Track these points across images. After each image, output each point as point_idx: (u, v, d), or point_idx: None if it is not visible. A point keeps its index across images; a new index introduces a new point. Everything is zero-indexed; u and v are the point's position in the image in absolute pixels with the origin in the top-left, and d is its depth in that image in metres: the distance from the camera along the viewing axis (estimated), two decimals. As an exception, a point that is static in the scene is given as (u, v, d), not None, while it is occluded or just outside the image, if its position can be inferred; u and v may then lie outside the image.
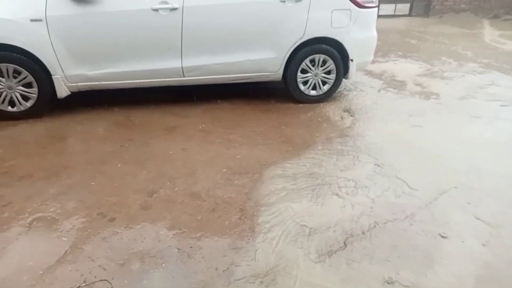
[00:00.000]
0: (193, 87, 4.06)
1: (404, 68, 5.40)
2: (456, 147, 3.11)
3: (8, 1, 3.18)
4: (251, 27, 3.62)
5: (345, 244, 2.03)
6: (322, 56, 3.84)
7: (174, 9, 3.40)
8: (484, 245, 2.04)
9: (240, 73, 3.80)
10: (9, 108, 3.39)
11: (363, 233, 2.11)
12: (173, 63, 3.59)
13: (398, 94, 4.35)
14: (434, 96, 4.28)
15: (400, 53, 6.22)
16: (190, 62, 3.61)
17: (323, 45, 3.80)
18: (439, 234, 2.11)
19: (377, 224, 2.18)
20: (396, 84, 4.67)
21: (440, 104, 4.07)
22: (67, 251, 1.94)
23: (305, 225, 2.16)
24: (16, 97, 3.35)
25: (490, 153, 3.02)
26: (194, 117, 3.60)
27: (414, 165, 2.82)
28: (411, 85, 4.66)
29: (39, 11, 3.18)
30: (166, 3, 3.38)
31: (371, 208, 2.33)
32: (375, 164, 2.83)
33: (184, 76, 3.68)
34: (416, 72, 5.22)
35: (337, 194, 2.46)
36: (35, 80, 3.33)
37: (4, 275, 1.79)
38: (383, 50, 6.19)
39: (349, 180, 2.62)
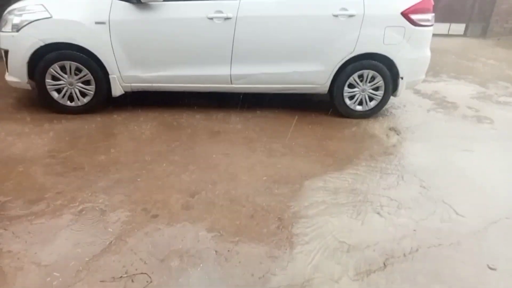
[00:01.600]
0: (239, 94, 4.13)
1: (456, 89, 5.19)
2: (509, 177, 2.93)
3: (76, 4, 3.43)
4: (301, 39, 3.65)
5: (384, 264, 1.97)
6: (371, 72, 3.78)
7: (228, 18, 3.50)
8: (537, 282, 1.90)
9: (287, 84, 3.82)
10: (68, 103, 3.62)
11: (405, 255, 2.04)
12: (222, 70, 3.68)
13: (448, 116, 4.18)
14: (488, 121, 4.07)
15: (452, 74, 5.99)
16: (238, 70, 3.69)
17: (373, 61, 3.75)
18: (487, 265, 1.99)
19: (420, 247, 2.10)
20: (446, 106, 4.50)
21: (494, 129, 3.87)
22: (112, 242, 2.03)
23: (344, 242, 2.12)
24: (75, 93, 3.58)
25: (548, 186, 2.82)
26: (238, 124, 3.66)
27: (463, 191, 2.70)
28: (463, 107, 4.47)
29: (104, 14, 3.39)
30: (221, 12, 3.49)
31: (414, 230, 2.24)
32: (420, 186, 2.73)
33: (231, 84, 3.76)
34: (469, 94, 5.00)
35: (378, 213, 2.40)
36: (94, 78, 3.54)
37: (53, 259, 1.90)
38: (435, 69, 5.99)
39: (392, 200, 2.55)
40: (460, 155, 3.28)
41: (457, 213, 2.43)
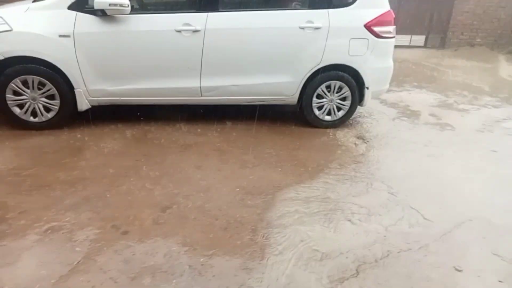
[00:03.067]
0: (209, 106, 4.12)
1: (419, 98, 5.42)
2: (472, 180, 3.08)
3: (38, 17, 3.33)
4: (269, 51, 3.71)
5: (357, 271, 2.00)
6: (338, 83, 3.89)
7: (196, 31, 3.51)
8: (501, 281, 1.99)
9: (256, 95, 3.86)
10: (31, 118, 3.48)
11: (376, 261, 2.08)
12: (192, 83, 3.68)
13: (412, 124, 4.35)
14: (449, 128, 4.27)
15: (415, 83, 6.26)
16: (208, 82, 3.69)
17: (340, 72, 3.86)
18: (454, 267, 2.07)
19: (390, 253, 2.16)
20: (410, 114, 4.69)
21: (456, 135, 4.06)
22: (80, 262, 1.95)
23: (317, 250, 2.15)
24: (39, 108, 3.46)
25: (506, 188, 2.98)
26: (209, 136, 3.65)
27: (429, 196, 2.80)
28: (426, 115, 4.66)
29: (68, 27, 3.32)
30: (189, 25, 3.50)
31: (384, 236, 2.30)
32: (388, 192, 2.81)
33: (201, 96, 3.75)
34: (431, 102, 5.23)
35: (350, 220, 2.45)
36: (58, 92, 3.43)
37: (17, 283, 1.80)
38: (398, 79, 6.23)
39: (362, 207, 2.60)
40: (425, 160, 3.41)
41: (424, 218, 2.51)
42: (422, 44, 10.11)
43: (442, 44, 9.98)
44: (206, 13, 3.53)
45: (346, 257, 2.10)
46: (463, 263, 2.10)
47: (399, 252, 2.16)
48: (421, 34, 10.07)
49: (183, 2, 4.28)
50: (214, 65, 3.65)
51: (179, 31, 3.49)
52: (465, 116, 4.75)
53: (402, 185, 2.92)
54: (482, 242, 2.30)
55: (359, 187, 2.88)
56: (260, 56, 3.71)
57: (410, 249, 2.20)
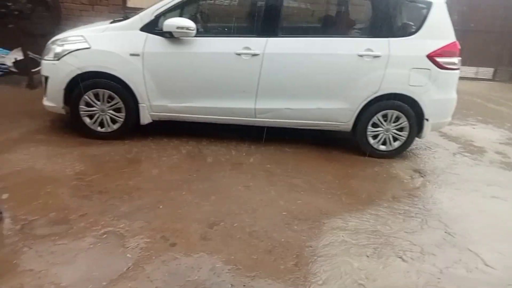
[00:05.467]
0: (262, 128, 4.18)
1: (484, 134, 5.08)
2: (542, 227, 2.80)
3: (113, 37, 3.64)
4: (326, 77, 3.72)
5: (406, 312, 1.88)
6: (396, 113, 3.78)
7: (255, 54, 3.62)
8: None
9: (310, 120, 3.86)
10: (99, 128, 3.76)
11: (428, 304, 1.95)
12: (247, 104, 3.77)
13: (475, 161, 4.08)
14: (517, 168, 3.95)
15: (480, 117, 5.89)
16: (263, 104, 3.77)
17: (398, 102, 3.76)
18: (518, 322, 1.88)
19: (444, 297, 2.01)
20: (473, 150, 4.40)
21: (525, 177, 3.74)
22: (130, 268, 2.04)
23: (363, 285, 2.06)
24: (106, 120, 3.73)
25: None
26: (259, 157, 3.69)
27: (491, 240, 2.59)
28: (491, 152, 4.35)
29: (138, 47, 3.58)
30: (248, 48, 3.62)
31: (438, 279, 2.16)
32: (445, 232, 2.64)
33: (255, 117, 3.83)
34: (497, 139, 4.88)
35: (401, 257, 2.32)
36: (124, 106, 3.69)
37: (72, 281, 1.92)
38: (461, 113, 5.90)
39: (415, 245, 2.47)
40: (487, 201, 3.17)
41: (484, 263, 2.32)
42: (490, 77, 9.57)
43: (513, 78, 9.35)
44: (265, 38, 3.64)
45: (395, 296, 1.98)
46: (529, 319, 1.90)
47: (454, 297, 2.01)
48: (489, 66, 9.54)
49: (245, 27, 4.45)
50: (270, 88, 3.73)
51: (239, 54, 3.63)
52: (537, 156, 4.36)
53: (461, 226, 2.73)
54: (553, 298, 2.06)
55: (413, 223, 2.73)
56: (316, 81, 3.73)
57: (467, 296, 2.03)
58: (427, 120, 3.78)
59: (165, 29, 3.51)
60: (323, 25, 4.85)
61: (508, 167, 3.95)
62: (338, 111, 3.80)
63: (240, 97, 3.77)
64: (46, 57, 3.68)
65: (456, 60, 3.76)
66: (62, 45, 3.62)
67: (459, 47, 3.78)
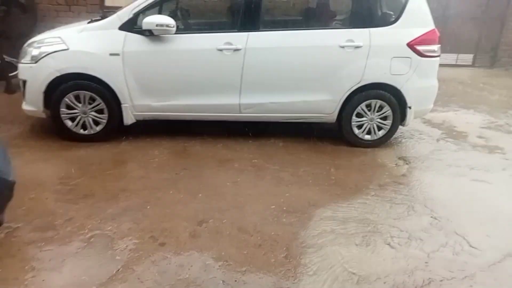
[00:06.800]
0: (247, 122, 4.18)
1: (466, 119, 5.17)
2: (524, 207, 2.87)
3: (92, 37, 3.57)
4: (309, 70, 3.72)
5: (396, 298, 1.92)
6: (379, 102, 3.81)
7: (237, 50, 3.60)
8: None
9: (295, 113, 3.87)
10: (81, 131, 3.70)
11: (417, 288, 1.98)
12: (232, 100, 3.75)
13: (458, 146, 4.15)
14: (499, 151, 4.03)
15: (461, 103, 5.99)
16: (247, 99, 3.76)
17: (381, 91, 3.79)
18: (504, 300, 1.93)
19: (432, 281, 2.05)
20: (456, 135, 4.48)
21: (506, 159, 3.82)
22: (119, 270, 2.02)
23: (354, 273, 2.08)
24: (89, 122, 3.67)
25: None
26: (247, 152, 3.68)
27: (475, 222, 2.64)
28: (473, 137, 4.44)
29: (118, 46, 3.52)
30: (230, 44, 3.60)
31: (426, 263, 2.19)
32: (431, 217, 2.69)
33: (240, 112, 3.82)
34: (479, 124, 4.97)
35: (389, 244, 2.36)
36: (107, 107, 3.63)
37: (60, 287, 1.89)
38: (443, 99, 5.99)
39: (402, 231, 2.50)
40: (471, 185, 3.23)
41: (470, 245, 2.37)
42: (470, 63, 9.72)
43: (492, 63, 9.53)
44: (247, 33, 3.62)
45: (384, 282, 2.02)
46: (514, 297, 1.95)
47: (441, 280, 2.05)
48: (469, 52, 9.69)
49: (226, 22, 4.43)
50: (254, 83, 3.72)
51: (220, 50, 3.60)
52: (517, 138, 4.47)
53: (446, 210, 2.78)
54: (536, 275, 2.12)
55: (399, 209, 2.77)
56: (299, 74, 3.73)
57: (454, 278, 2.07)
58: (409, 108, 3.83)
59: (144, 27, 3.46)
60: (304, 18, 4.86)
61: (490, 151, 4.04)
62: (322, 103, 3.82)
63: (224, 93, 3.75)
64: (23, 61, 3.59)
65: (436, 47, 3.81)
66: (39, 47, 3.53)
67: (438, 34, 3.82)
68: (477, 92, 6.89)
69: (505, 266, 2.19)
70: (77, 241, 2.23)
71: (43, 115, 3.67)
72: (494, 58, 9.55)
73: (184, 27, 4.14)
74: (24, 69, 3.56)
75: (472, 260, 2.23)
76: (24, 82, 3.57)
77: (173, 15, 3.94)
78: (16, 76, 3.83)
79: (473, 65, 9.67)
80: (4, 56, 5.19)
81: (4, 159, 2.00)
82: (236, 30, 3.67)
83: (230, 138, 3.99)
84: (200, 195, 2.84)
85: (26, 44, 3.68)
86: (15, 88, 4.87)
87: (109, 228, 2.38)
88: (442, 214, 2.72)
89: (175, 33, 3.54)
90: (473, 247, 2.35)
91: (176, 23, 3.50)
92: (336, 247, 2.30)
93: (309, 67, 3.72)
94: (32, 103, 3.62)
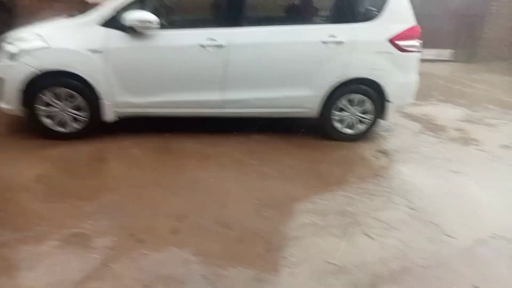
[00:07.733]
0: (230, 118, 4.17)
1: (444, 112, 5.28)
2: (497, 198, 2.95)
3: (73, 34, 3.51)
4: (292, 65, 3.73)
5: (372, 286, 1.95)
6: (360, 96, 3.86)
7: (220, 46, 3.58)
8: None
9: (278, 108, 3.89)
10: (60, 129, 3.62)
11: (393, 277, 2.02)
12: (215, 96, 3.74)
13: (436, 138, 4.23)
14: (475, 143, 4.13)
15: (441, 97, 6.11)
16: (231, 95, 3.75)
17: (362, 86, 3.83)
18: (474, 286, 1.98)
19: (409, 269, 2.09)
20: (435, 128, 4.57)
21: (482, 151, 3.92)
22: (96, 268, 2.00)
23: (332, 263, 2.11)
24: (68, 119, 3.60)
25: (536, 206, 2.84)
26: (229, 148, 3.68)
27: (451, 212, 2.71)
28: (451, 130, 4.53)
29: (99, 43, 3.46)
30: (213, 40, 3.58)
31: (403, 251, 2.24)
32: (409, 208, 2.74)
33: (224, 108, 3.81)
34: (457, 117, 5.08)
35: (367, 235, 2.40)
36: (87, 104, 3.57)
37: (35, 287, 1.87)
38: (423, 93, 6.08)
39: (381, 222, 2.55)
40: (448, 176, 3.30)
41: (445, 234, 2.43)
42: (450, 58, 9.90)
43: (471, 58, 9.73)
44: (230, 29, 3.61)
45: (362, 271, 2.05)
46: (484, 281, 2.00)
47: (417, 268, 2.09)
48: (448, 48, 9.86)
49: (209, 18, 4.40)
50: (237, 79, 3.71)
51: (203, 46, 3.58)
52: (493, 131, 4.58)
53: (423, 201, 2.83)
54: (505, 261, 2.19)
55: (378, 201, 2.82)
56: (282, 70, 3.74)
57: (430, 266, 2.12)
58: (390, 102, 3.88)
59: (126, 23, 3.41)
60: (287, 14, 4.85)
61: (468, 143, 4.13)
62: (305, 98, 3.84)
63: (207, 89, 3.73)
64: (0, 59, 3.50)
65: (416, 43, 3.87)
66: (18, 44, 3.44)
67: (419, 30, 3.88)
68: (456, 87, 7.03)
69: (477, 253, 2.26)
70: (53, 240, 2.20)
71: (21, 114, 3.60)
72: (473, 54, 9.74)
73: (167, 23, 4.09)
74: (2, 68, 3.46)
75: (447, 248, 2.29)
76: (1, 80, 3.49)
77: (156, 11, 3.89)
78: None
79: (453, 60, 9.85)
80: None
81: None
82: (219, 26, 3.65)
83: (212, 134, 3.98)
84: (181, 191, 2.83)
85: (3, 42, 3.59)
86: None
87: (86, 226, 2.34)
88: (420, 205, 2.78)
89: (158, 29, 3.50)
90: (448, 235, 2.41)
91: (159, 20, 3.47)
92: (316, 239, 2.32)
93: (292, 63, 3.73)
94: (9, 102, 3.52)
